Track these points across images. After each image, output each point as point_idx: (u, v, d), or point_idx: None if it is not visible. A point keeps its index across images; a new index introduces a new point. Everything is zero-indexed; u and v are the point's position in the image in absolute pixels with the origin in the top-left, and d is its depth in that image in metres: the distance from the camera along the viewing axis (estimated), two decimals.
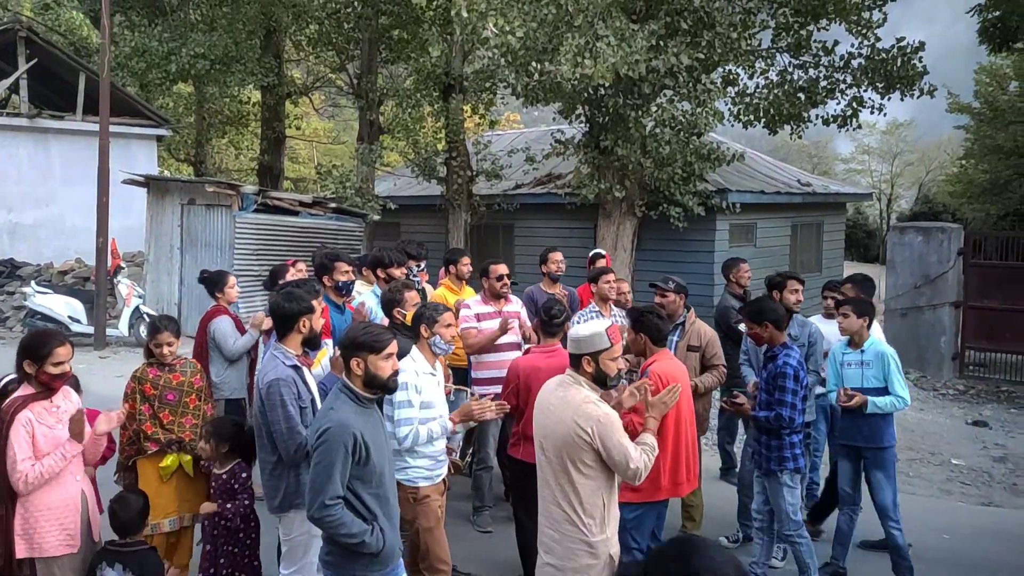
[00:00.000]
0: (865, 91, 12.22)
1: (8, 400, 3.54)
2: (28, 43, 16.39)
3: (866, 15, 11.77)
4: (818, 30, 12.20)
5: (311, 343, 4.00)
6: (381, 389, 3.37)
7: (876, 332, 6.21)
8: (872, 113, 12.54)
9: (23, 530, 3.48)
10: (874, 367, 4.90)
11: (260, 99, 20.35)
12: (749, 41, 11.63)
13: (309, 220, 13.94)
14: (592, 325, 3.57)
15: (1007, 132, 24.49)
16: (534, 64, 10.24)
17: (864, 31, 11.89)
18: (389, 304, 4.99)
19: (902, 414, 8.78)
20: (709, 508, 5.62)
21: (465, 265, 6.55)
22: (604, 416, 3.33)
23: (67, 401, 3.69)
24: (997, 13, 15.71)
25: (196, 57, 15.93)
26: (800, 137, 13.78)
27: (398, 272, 5.74)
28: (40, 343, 3.58)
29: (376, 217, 15.33)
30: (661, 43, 10.38)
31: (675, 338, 5.43)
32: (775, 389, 4.61)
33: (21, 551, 3.47)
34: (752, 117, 12.52)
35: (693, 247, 13.22)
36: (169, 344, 4.35)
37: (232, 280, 6.18)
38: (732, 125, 13.14)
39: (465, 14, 10.14)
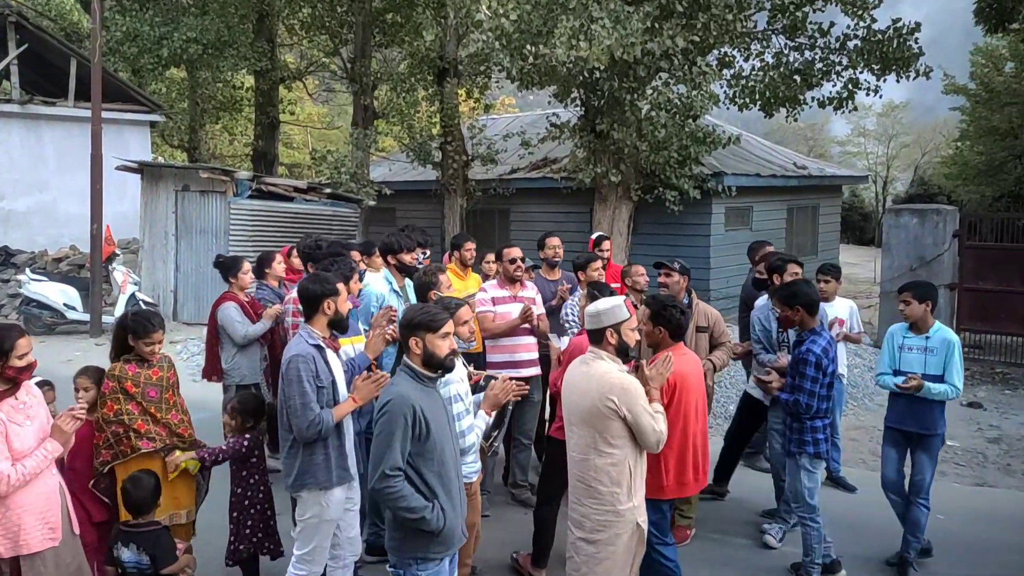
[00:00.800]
0: (861, 73, 12.19)
1: None
2: (18, 28, 16.22)
3: None
4: (814, 11, 12.16)
5: (338, 325, 3.99)
6: (440, 368, 3.42)
7: (842, 305, 6.31)
8: (868, 95, 12.53)
9: (5, 529, 3.41)
10: (938, 354, 4.80)
11: (253, 84, 20.21)
12: (744, 23, 11.58)
13: (304, 206, 13.89)
14: (609, 300, 3.71)
15: (1003, 114, 24.45)
16: (528, 47, 10.18)
17: (860, 12, 11.85)
18: (425, 288, 4.91)
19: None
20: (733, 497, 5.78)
21: (468, 251, 6.55)
22: (628, 383, 3.46)
23: (30, 396, 3.58)
24: None
25: (188, 42, 15.81)
26: (796, 120, 13.76)
27: (408, 257, 5.64)
28: (0, 338, 3.44)
29: (371, 202, 15.28)
30: (656, 25, 10.33)
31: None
32: (796, 374, 4.65)
33: (5, 551, 3.41)
34: (748, 100, 12.50)
35: (689, 230, 13.22)
36: (160, 343, 4.26)
37: (247, 266, 6.17)
38: (728, 108, 13.11)
39: None
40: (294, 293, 5.37)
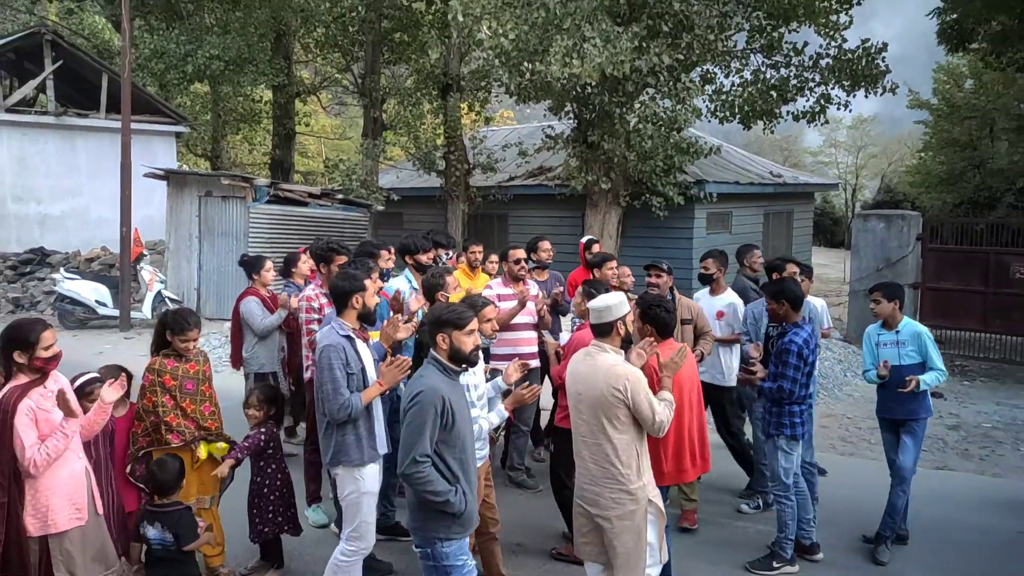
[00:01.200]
0: (832, 89, 12.19)
1: (5, 391, 3.38)
2: (53, 46, 16.20)
3: (834, 18, 11.72)
4: (789, 32, 12.15)
5: (366, 318, 4.04)
6: (464, 362, 3.46)
7: (813, 303, 6.30)
8: (839, 109, 12.51)
9: (34, 509, 3.38)
10: (909, 345, 4.89)
11: (271, 98, 20.18)
12: (725, 43, 11.57)
13: (318, 210, 13.86)
14: (613, 295, 3.74)
15: (962, 127, 24.46)
16: (526, 64, 10.18)
17: (832, 32, 11.85)
18: (432, 288, 4.90)
19: (864, 387, 8.84)
20: (725, 476, 5.81)
21: (475, 253, 6.58)
22: (632, 375, 3.51)
23: (57, 384, 3.54)
24: (954, 16, 15.63)
25: (211, 59, 15.77)
26: (772, 132, 13.74)
27: (424, 258, 5.62)
28: (26, 331, 3.40)
29: (380, 207, 15.26)
30: (644, 44, 10.32)
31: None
32: (780, 363, 4.66)
33: (35, 530, 3.38)
34: (728, 113, 12.48)
35: (673, 234, 13.22)
36: (195, 340, 4.25)
37: (269, 264, 6.18)
38: (709, 121, 13.10)
39: (461, 18, 10.04)
40: (307, 291, 5.37)
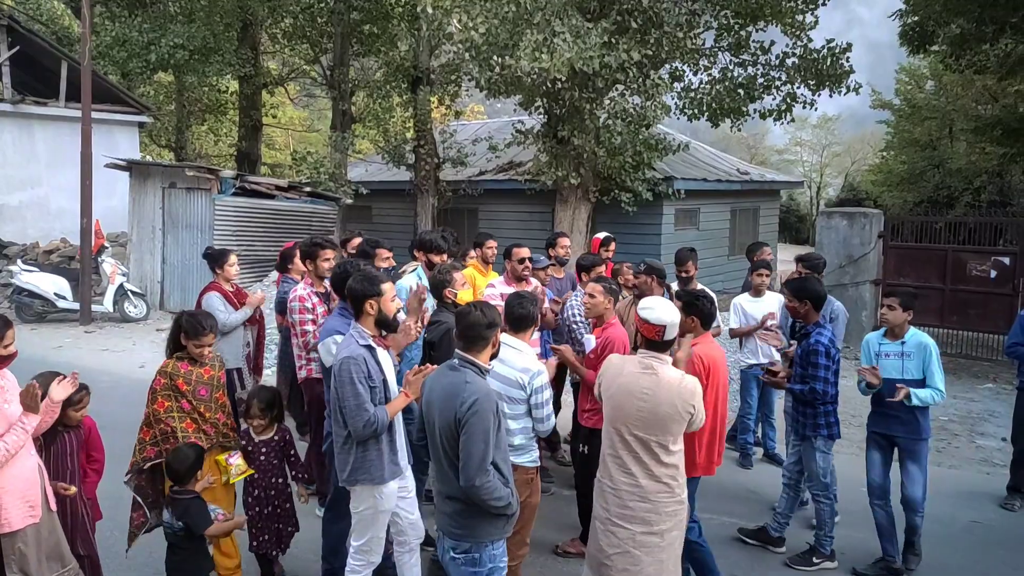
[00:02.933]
0: (798, 88, 12.36)
1: None
2: (10, 31, 15.71)
3: (799, 18, 11.88)
4: (756, 31, 12.30)
5: (384, 324, 3.81)
6: (492, 358, 3.43)
7: (772, 300, 6.36)
8: (804, 108, 12.70)
9: None
10: (915, 358, 4.56)
11: (238, 88, 19.87)
12: (694, 40, 11.66)
13: (285, 203, 13.69)
14: (674, 309, 3.61)
15: (923, 127, 25.04)
16: (496, 59, 10.15)
17: (798, 32, 12.01)
18: (440, 285, 4.70)
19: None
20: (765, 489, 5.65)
21: (491, 248, 6.40)
22: (699, 389, 3.49)
23: (6, 380, 3.44)
24: (915, 18, 15.96)
25: (175, 48, 15.47)
26: (739, 129, 13.91)
27: (438, 259, 5.39)
28: None
29: (349, 201, 15.12)
30: (613, 40, 10.36)
31: None
32: (809, 364, 4.60)
33: None
34: (696, 111, 12.61)
35: (642, 230, 13.32)
36: (210, 345, 4.11)
37: (233, 258, 5.99)
38: (678, 118, 13.21)
39: (431, 10, 9.99)
40: (300, 290, 5.17)
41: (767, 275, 6.41)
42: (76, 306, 12.25)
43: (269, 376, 7.77)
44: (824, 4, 11.96)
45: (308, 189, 14.24)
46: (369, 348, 3.64)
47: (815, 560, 4.76)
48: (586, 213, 12.69)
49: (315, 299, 5.11)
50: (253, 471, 4.12)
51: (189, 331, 4.03)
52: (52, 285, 12.23)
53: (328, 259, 5.22)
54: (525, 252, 5.75)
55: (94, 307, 12.32)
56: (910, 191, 25.00)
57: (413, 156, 15.30)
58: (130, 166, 13.67)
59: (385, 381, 3.67)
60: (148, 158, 19.82)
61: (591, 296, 4.66)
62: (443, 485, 3.27)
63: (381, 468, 3.62)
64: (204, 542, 3.85)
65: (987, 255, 10.90)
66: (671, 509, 3.45)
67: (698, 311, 4.13)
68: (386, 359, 3.76)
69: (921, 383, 4.55)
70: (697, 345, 4.11)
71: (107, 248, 12.85)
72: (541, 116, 12.68)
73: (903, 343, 4.62)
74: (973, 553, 5.08)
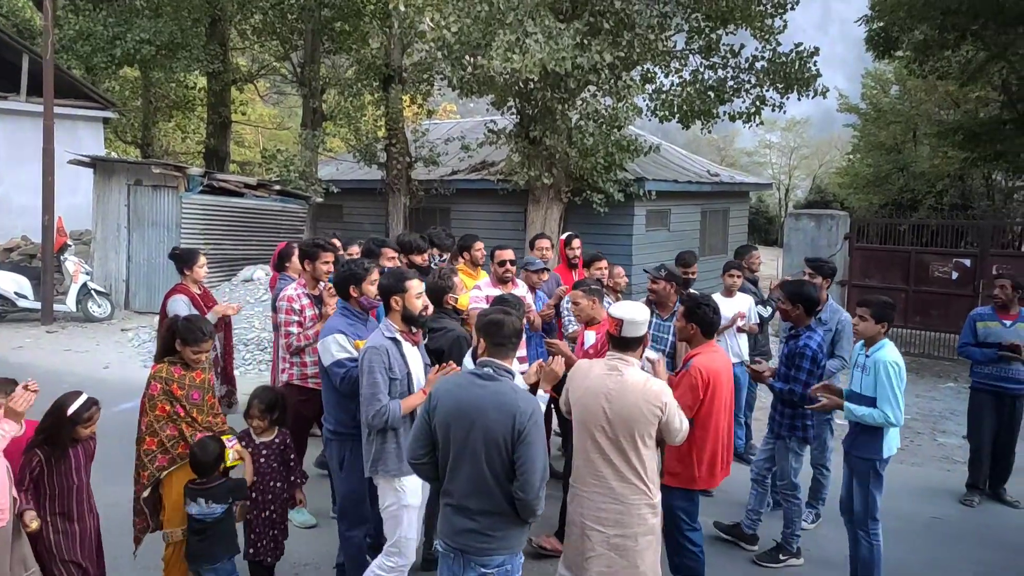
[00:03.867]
0: (767, 91, 12.53)
1: None
2: None
3: (769, 22, 12.04)
4: (726, 34, 12.44)
5: (412, 321, 3.81)
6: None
7: (743, 300, 6.39)
8: (773, 111, 12.88)
9: None
10: (871, 374, 4.23)
11: (206, 85, 19.56)
12: (665, 42, 11.76)
13: (254, 201, 13.53)
14: (641, 308, 3.54)
15: (888, 131, 25.54)
16: (468, 58, 10.14)
17: (767, 36, 12.17)
18: (441, 291, 4.55)
19: None
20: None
21: (479, 250, 6.26)
22: (667, 391, 3.43)
23: None
24: (881, 24, 16.27)
25: (141, 42, 15.19)
26: (710, 131, 14.05)
27: (420, 259, 5.29)
28: None
29: (319, 199, 14.99)
30: (585, 41, 10.40)
31: (670, 323, 5.26)
32: (792, 366, 4.60)
33: None
34: (667, 112, 12.70)
35: (613, 230, 13.38)
36: (207, 352, 4.06)
37: (202, 260, 5.86)
38: (649, 119, 13.31)
39: (403, 8, 9.95)
40: (289, 290, 5.07)
41: (738, 276, 6.49)
42: (37, 305, 11.97)
43: (252, 380, 7.65)
44: (792, 8, 12.14)
45: (278, 187, 14.09)
46: (394, 341, 3.69)
47: (781, 557, 4.83)
48: (558, 213, 12.73)
49: (305, 301, 5.02)
50: (244, 459, 4.07)
51: (188, 339, 3.96)
52: (12, 284, 11.94)
53: (328, 261, 5.10)
54: (508, 254, 5.60)
55: (56, 307, 12.05)
56: (876, 193, 25.47)
57: (385, 155, 15.21)
58: (94, 162, 13.40)
59: (409, 375, 3.69)
60: (113, 154, 19.44)
61: (576, 304, 4.65)
62: (476, 501, 3.02)
63: (399, 461, 3.63)
64: (234, 523, 3.91)
65: (949, 257, 11.16)
66: (643, 512, 3.42)
67: (698, 319, 4.03)
68: (413, 354, 3.79)
69: (874, 402, 4.21)
70: (698, 356, 4.01)
71: (70, 246, 12.58)
72: (513, 116, 12.69)
73: (868, 356, 4.32)
74: (934, 549, 5.19)
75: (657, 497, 3.47)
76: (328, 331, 4.03)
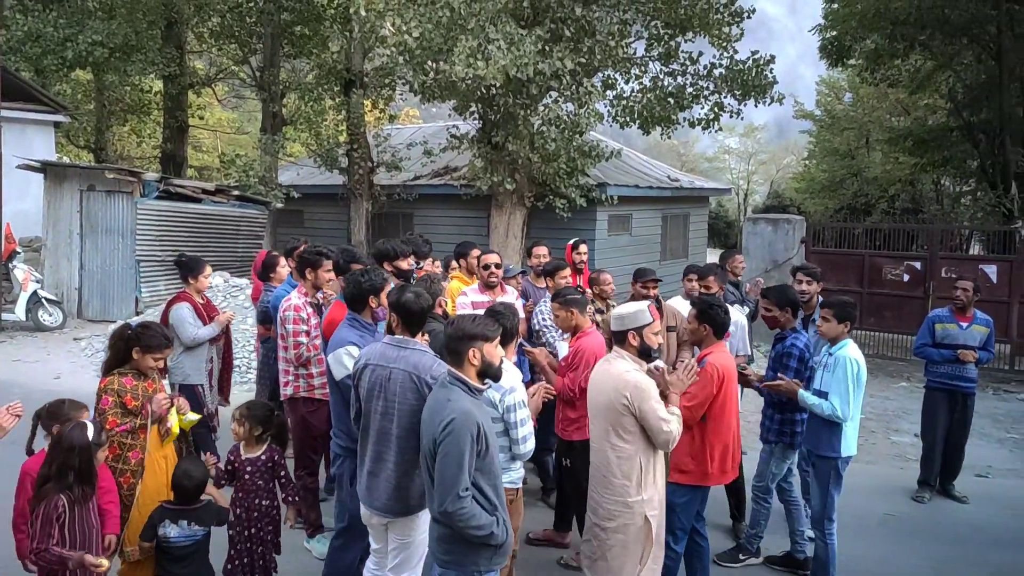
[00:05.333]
0: (725, 98, 12.74)
1: None
2: None
3: (726, 30, 12.25)
4: (685, 42, 12.62)
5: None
6: (492, 378, 3.20)
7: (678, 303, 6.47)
8: (731, 117, 13.09)
9: None
10: (831, 370, 4.33)
11: (162, 88, 19.17)
12: (625, 49, 11.90)
13: (212, 207, 13.29)
14: (634, 304, 3.66)
15: (842, 137, 26.20)
16: (430, 63, 10.12)
17: (724, 44, 12.38)
18: (432, 297, 4.38)
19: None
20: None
21: (475, 257, 6.10)
22: (641, 382, 3.42)
23: None
24: (834, 33, 16.71)
25: (94, 44, 14.81)
26: (670, 137, 14.23)
27: (405, 264, 5.12)
28: None
29: (279, 205, 14.80)
30: (547, 48, 10.47)
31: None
32: (780, 367, 4.61)
33: None
34: (628, 118, 12.83)
35: (576, 235, 13.33)
36: (163, 359, 3.96)
37: (208, 270, 5.71)
38: (610, 125, 13.42)
39: (363, 12, 9.88)
40: (294, 299, 4.92)
41: (695, 279, 6.58)
42: None
43: (245, 393, 7.43)
44: (749, 17, 12.38)
45: (237, 193, 13.87)
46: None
47: (741, 557, 4.89)
48: (521, 218, 12.77)
49: (309, 310, 4.88)
50: (194, 421, 3.99)
51: (149, 345, 3.84)
52: None
53: (330, 269, 4.97)
54: (493, 259, 5.56)
55: (5, 315, 11.67)
56: (831, 198, 26.07)
57: (346, 160, 15.09)
58: (45, 167, 13.02)
59: None
60: (65, 159, 18.93)
61: (555, 315, 4.69)
62: (430, 507, 3.12)
63: None
64: (208, 549, 3.77)
65: (900, 260, 11.48)
66: (615, 508, 3.42)
67: (710, 319, 4.13)
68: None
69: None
70: (711, 354, 4.11)
71: (19, 253, 12.21)
72: (476, 121, 12.70)
73: (831, 354, 4.41)
74: (888, 544, 5.32)
75: (635, 497, 3.42)
76: (338, 343, 3.86)
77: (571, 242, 6.83)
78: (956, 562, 5.11)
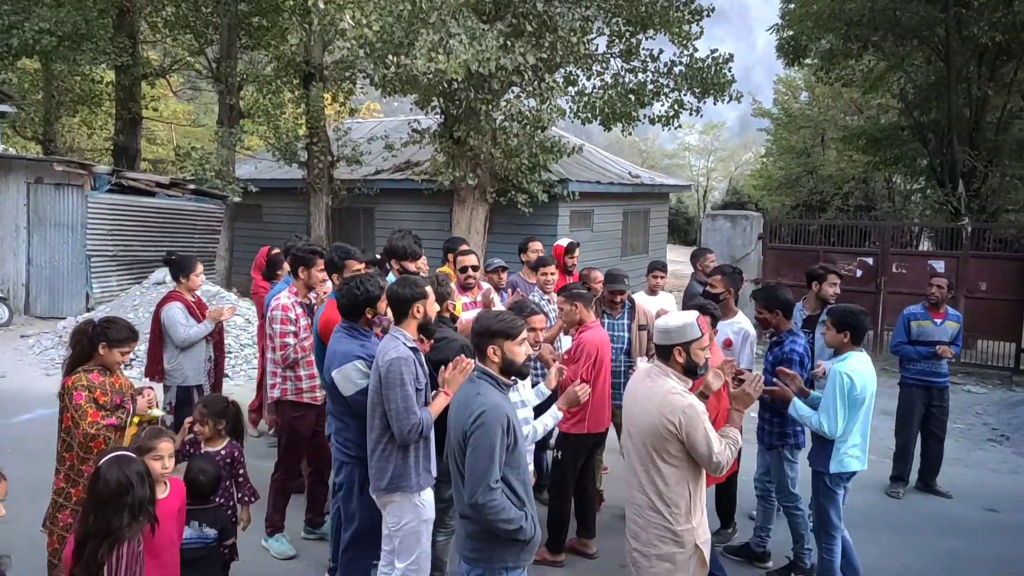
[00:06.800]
0: (685, 95, 12.87)
1: None
2: None
3: (686, 28, 12.38)
4: (646, 39, 12.72)
5: (426, 329, 3.69)
6: (517, 375, 3.18)
7: (667, 298, 6.51)
8: (691, 115, 13.24)
9: None
10: (827, 381, 4.17)
11: (114, 79, 18.61)
12: (587, 46, 11.94)
13: (167, 201, 12.98)
14: (682, 315, 3.29)
15: (799, 135, 26.73)
16: (391, 57, 10.03)
17: (684, 42, 12.51)
18: (440, 298, 4.30)
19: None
20: None
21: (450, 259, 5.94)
22: (690, 407, 3.09)
23: None
24: (791, 33, 17.00)
25: (41, 33, 14.29)
26: (630, 134, 14.33)
27: (413, 267, 4.95)
28: None
29: (236, 199, 14.51)
30: (509, 43, 10.45)
31: (626, 321, 5.30)
32: (781, 373, 4.45)
33: None
34: (589, 114, 12.90)
35: (538, 231, 13.45)
36: (130, 353, 3.84)
37: (200, 268, 5.54)
38: (572, 121, 13.48)
39: (322, 5, 9.75)
40: (283, 299, 4.76)
41: (662, 276, 6.62)
42: None
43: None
44: (708, 16, 12.53)
45: (192, 187, 13.57)
46: (414, 350, 3.56)
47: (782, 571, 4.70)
48: (483, 214, 12.74)
49: (299, 310, 4.74)
50: (158, 416, 3.86)
51: (114, 338, 3.74)
52: None
53: (324, 269, 4.80)
54: (470, 260, 5.46)
55: None
56: (787, 195, 26.59)
57: (306, 154, 14.87)
58: None
59: (427, 385, 3.60)
60: (11, 151, 18.28)
61: (560, 308, 4.71)
62: (459, 503, 3.10)
63: (418, 475, 3.55)
64: (219, 553, 3.64)
65: (854, 256, 11.75)
66: (659, 534, 3.16)
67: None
68: (423, 362, 3.69)
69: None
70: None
71: None
72: (438, 116, 12.62)
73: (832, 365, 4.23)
74: (859, 536, 5.41)
75: (683, 527, 3.15)
76: (344, 358, 3.76)
77: (565, 244, 6.64)
78: (903, 549, 5.22)
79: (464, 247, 5.84)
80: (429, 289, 3.69)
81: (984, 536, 5.50)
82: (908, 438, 6.29)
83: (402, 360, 3.43)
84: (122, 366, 3.93)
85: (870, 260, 11.61)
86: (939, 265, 10.98)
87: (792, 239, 12.61)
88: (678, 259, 23.56)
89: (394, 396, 3.40)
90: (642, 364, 4.67)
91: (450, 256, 5.97)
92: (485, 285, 5.67)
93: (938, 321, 6.13)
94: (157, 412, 3.93)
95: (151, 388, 3.96)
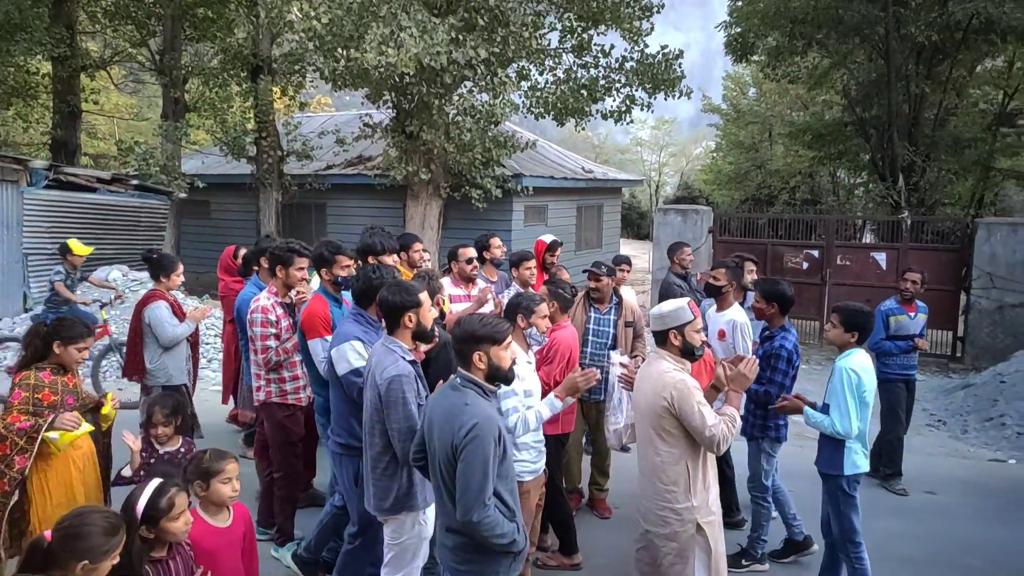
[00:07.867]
0: (636, 91, 13.01)
1: None
2: None
3: (637, 24, 12.50)
4: (598, 35, 12.81)
5: (422, 337, 3.48)
6: (503, 381, 3.03)
7: (628, 294, 6.61)
8: (642, 110, 13.39)
9: None
10: (832, 379, 4.07)
11: (51, 71, 17.94)
12: (539, 40, 11.97)
13: (109, 197, 12.57)
14: (673, 301, 3.44)
15: (747, 131, 27.28)
16: (340, 50, 9.89)
17: (635, 38, 12.64)
18: (429, 294, 4.19)
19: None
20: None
21: (416, 251, 5.87)
22: (680, 382, 3.24)
23: None
24: (739, 30, 17.32)
25: None
26: (583, 129, 14.43)
27: (389, 259, 4.83)
28: None
29: (182, 195, 14.14)
30: (460, 37, 10.41)
31: (613, 316, 5.32)
32: (768, 367, 4.51)
33: None
34: (542, 109, 12.95)
35: (492, 226, 13.47)
36: (88, 349, 3.73)
37: (181, 267, 5.46)
38: (525, 116, 13.50)
39: None
40: (263, 300, 4.62)
41: (627, 270, 6.66)
42: None
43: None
44: (659, 12, 12.68)
45: (136, 182, 13.16)
46: (413, 363, 3.40)
47: (744, 562, 4.72)
48: (437, 209, 12.68)
49: (279, 311, 4.60)
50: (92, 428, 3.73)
51: (70, 335, 3.65)
52: None
53: (303, 268, 4.66)
54: (471, 252, 5.61)
55: None
56: (737, 189, 27.13)
57: (254, 148, 14.57)
58: None
59: (427, 396, 3.42)
60: None
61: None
62: (444, 516, 2.99)
63: (423, 493, 3.44)
64: None
65: (800, 248, 12.07)
66: (662, 515, 3.30)
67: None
68: (422, 374, 3.54)
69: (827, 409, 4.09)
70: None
71: None
72: (390, 110, 12.51)
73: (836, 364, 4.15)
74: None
75: (683, 504, 3.27)
76: (344, 338, 3.68)
77: (548, 242, 6.60)
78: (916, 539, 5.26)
79: (418, 244, 5.91)
80: (423, 296, 3.47)
81: (921, 517, 5.70)
82: (900, 433, 6.27)
83: (403, 378, 3.27)
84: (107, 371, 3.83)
85: (816, 253, 11.93)
86: (881, 257, 11.35)
87: (741, 232, 12.88)
88: (632, 252, 23.72)
89: (396, 416, 3.26)
90: (615, 356, 4.78)
91: (403, 254, 5.90)
92: (481, 282, 5.72)
93: (912, 315, 6.22)
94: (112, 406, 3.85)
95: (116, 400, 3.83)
